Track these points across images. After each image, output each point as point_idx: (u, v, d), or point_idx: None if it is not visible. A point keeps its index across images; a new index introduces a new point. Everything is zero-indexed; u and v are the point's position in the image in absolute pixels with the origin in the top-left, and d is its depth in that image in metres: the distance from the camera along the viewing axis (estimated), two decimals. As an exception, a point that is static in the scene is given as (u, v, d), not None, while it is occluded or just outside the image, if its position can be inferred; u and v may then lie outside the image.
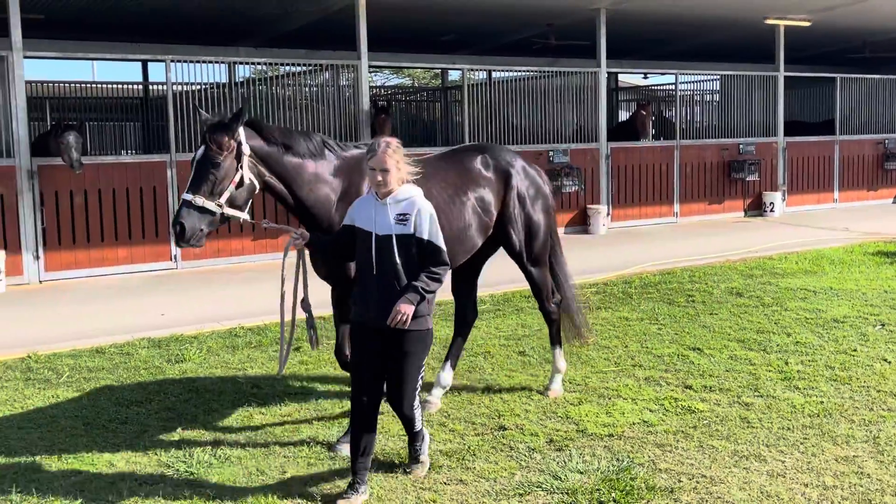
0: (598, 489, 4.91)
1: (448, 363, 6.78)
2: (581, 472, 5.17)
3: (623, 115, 25.01)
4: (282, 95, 14.70)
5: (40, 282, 12.06)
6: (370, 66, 15.24)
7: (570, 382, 7.01)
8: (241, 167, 5.32)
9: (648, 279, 11.51)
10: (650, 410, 6.32)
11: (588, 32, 17.73)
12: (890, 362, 7.38)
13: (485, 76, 19.10)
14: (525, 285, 7.48)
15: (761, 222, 18.67)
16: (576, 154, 16.97)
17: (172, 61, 13.37)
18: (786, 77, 20.26)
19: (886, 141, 21.59)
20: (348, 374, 5.59)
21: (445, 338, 7.70)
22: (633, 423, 6.06)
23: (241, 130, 5.34)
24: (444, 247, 4.91)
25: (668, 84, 25.14)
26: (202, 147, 5.33)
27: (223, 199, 5.26)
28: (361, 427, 4.88)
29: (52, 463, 5.51)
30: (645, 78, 28.49)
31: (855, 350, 7.77)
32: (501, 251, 6.89)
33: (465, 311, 7.01)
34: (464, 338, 7.05)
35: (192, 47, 17.91)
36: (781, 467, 5.20)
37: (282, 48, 19.27)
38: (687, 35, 21.45)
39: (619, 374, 7.25)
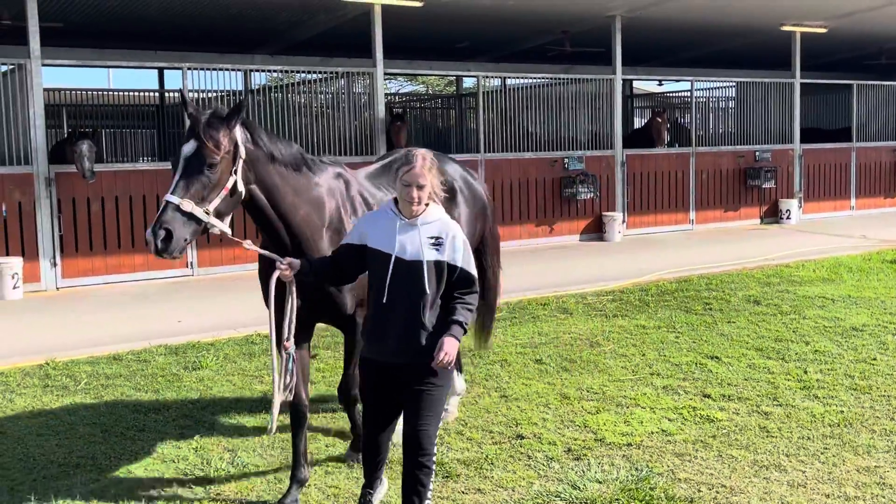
0: (616, 499, 4.88)
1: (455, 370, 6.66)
2: (600, 482, 5.15)
3: (638, 122, 25.00)
4: (297, 103, 14.73)
5: (57, 289, 12.11)
6: (385, 74, 15.23)
7: (588, 391, 6.98)
8: (236, 172, 4.66)
9: (665, 287, 11.46)
10: (668, 419, 6.29)
11: (603, 40, 17.72)
12: None
13: (499, 83, 19.07)
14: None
15: (778, 230, 18.59)
16: (591, 161, 16.94)
17: (189, 69, 13.44)
18: (802, 84, 20.17)
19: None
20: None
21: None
22: (652, 433, 6.03)
23: (238, 129, 4.72)
24: (476, 275, 4.47)
25: (684, 91, 25.17)
26: (193, 143, 4.54)
27: (212, 207, 4.55)
28: (374, 466, 4.67)
29: (70, 470, 5.52)
30: (660, 85, 28.48)
31: (874, 359, 7.71)
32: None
33: None
34: None
35: (208, 55, 18.03)
36: (802, 477, 5.17)
37: (297, 56, 19.32)
38: (702, 42, 21.42)
39: (636, 383, 7.21)
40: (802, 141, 20.24)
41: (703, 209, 18.57)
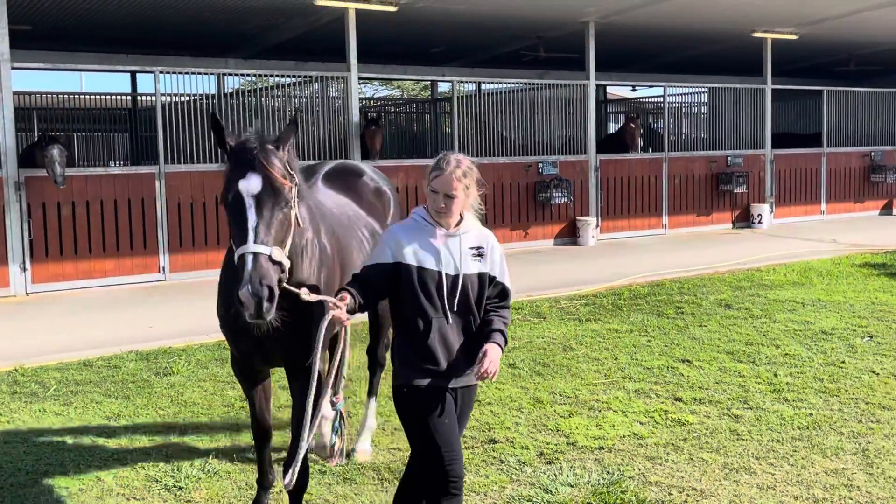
0: (588, 502, 4.89)
1: (372, 399, 6.18)
2: (572, 486, 5.15)
3: (612, 128, 25.08)
4: (271, 107, 14.68)
5: (27, 294, 11.95)
6: (360, 78, 15.22)
7: (561, 395, 6.99)
8: (296, 203, 3.98)
9: (638, 291, 11.52)
10: (640, 423, 6.31)
11: (577, 45, 17.77)
12: (878, 374, 7.40)
13: (474, 88, 19.14)
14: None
15: (749, 234, 18.73)
16: (565, 166, 17.00)
17: (161, 72, 13.31)
18: (773, 90, 20.36)
19: (873, 153, 21.72)
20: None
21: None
22: (624, 436, 6.04)
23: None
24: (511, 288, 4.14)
25: (657, 96, 25.24)
26: (257, 177, 3.73)
27: (287, 249, 3.88)
28: None
29: (39, 478, 5.45)
30: (634, 90, 28.63)
31: (843, 362, 7.78)
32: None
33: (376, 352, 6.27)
34: (376, 377, 6.27)
35: (181, 59, 17.88)
36: (771, 480, 5.19)
37: (271, 59, 19.25)
38: (675, 48, 21.54)
39: (609, 387, 7.23)
40: (774, 146, 20.42)
41: (676, 214, 18.68)
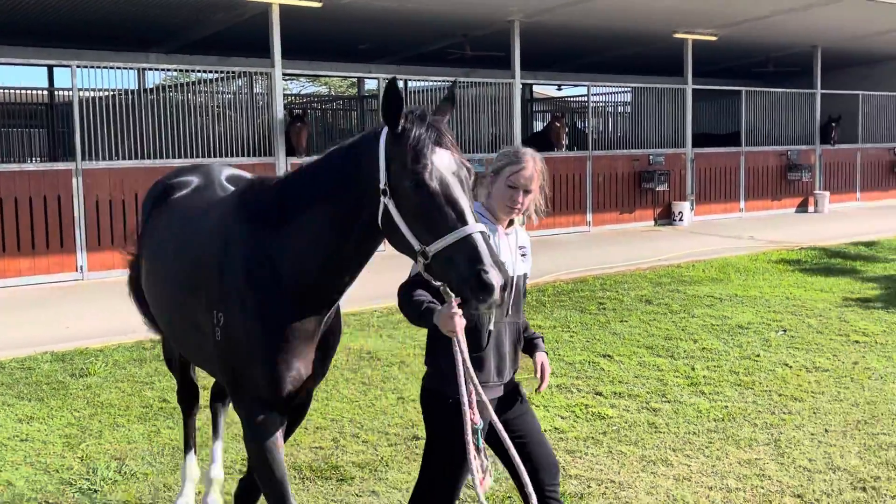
0: (509, 496, 4.94)
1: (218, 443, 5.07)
2: (494, 480, 5.19)
3: (538, 126, 25.30)
4: (194, 102, 14.45)
5: (-62, 294, 11.63)
6: (284, 75, 15.10)
7: (483, 391, 7.02)
8: None
9: (561, 287, 11.65)
10: (561, 417, 6.38)
11: (503, 44, 17.91)
12: (791, 367, 7.61)
13: (401, 85, 19.16)
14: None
15: (671, 231, 19.09)
16: (490, 164, 17.09)
17: (79, 66, 13.02)
18: (694, 90, 20.76)
19: (789, 152, 22.27)
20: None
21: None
22: (545, 430, 6.10)
23: None
24: None
25: (582, 96, 25.55)
26: (455, 158, 3.21)
27: None
28: None
29: (-53, 482, 5.31)
30: (559, 89, 28.91)
31: (758, 355, 8.00)
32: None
33: None
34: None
35: (100, 52, 17.53)
36: (687, 471, 5.30)
37: (194, 55, 18.96)
38: (599, 48, 21.84)
39: (531, 381, 7.30)
40: (694, 145, 20.83)
41: (600, 211, 18.94)
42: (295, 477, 5.34)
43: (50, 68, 19.26)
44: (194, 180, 4.59)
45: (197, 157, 13.70)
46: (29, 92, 21.17)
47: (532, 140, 20.10)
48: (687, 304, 10.41)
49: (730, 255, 14.42)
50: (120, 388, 7.19)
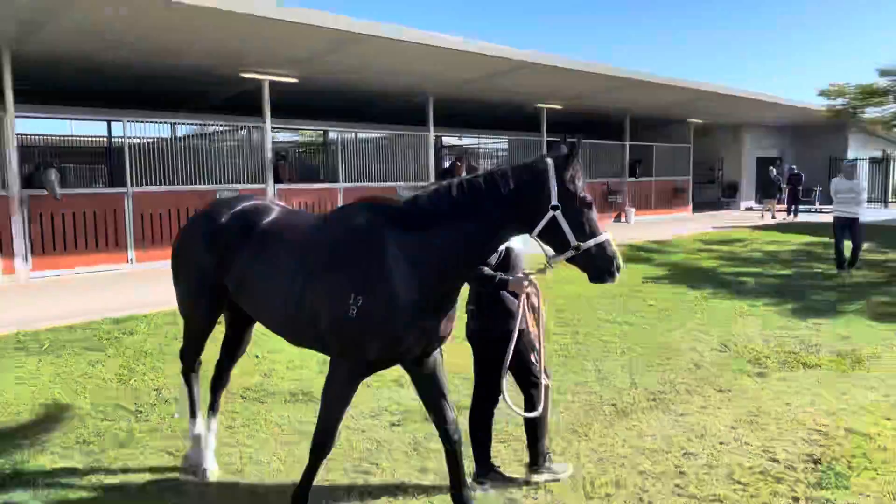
0: (414, 409, 5.00)
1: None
2: (413, 399, 5.24)
3: (445, 164, 25.28)
4: (210, 147, 14.25)
5: (29, 279, 11.18)
6: (272, 128, 14.94)
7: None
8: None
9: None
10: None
11: (422, 107, 17.97)
12: (609, 322, 7.74)
13: (353, 136, 19.01)
14: None
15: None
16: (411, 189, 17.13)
17: (128, 121, 12.76)
18: (547, 141, 21.01)
19: (609, 182, 22.63)
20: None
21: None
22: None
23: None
24: None
25: (475, 144, 25.72)
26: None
27: None
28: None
29: (40, 410, 5.19)
30: (460, 139, 28.89)
31: (589, 316, 8.18)
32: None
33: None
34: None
35: (144, 112, 17.05)
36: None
37: (210, 113, 18.57)
38: (487, 112, 22.02)
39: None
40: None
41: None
42: (283, 399, 5.36)
43: (109, 122, 18.53)
44: (269, 209, 3.88)
45: (213, 184, 13.50)
46: (95, 139, 20.57)
47: (441, 174, 20.08)
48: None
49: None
50: (157, 342, 7.11)
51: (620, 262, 3.24)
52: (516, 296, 3.67)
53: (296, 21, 10.82)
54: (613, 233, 3.42)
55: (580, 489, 3.90)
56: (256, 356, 6.35)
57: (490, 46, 13.74)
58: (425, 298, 3.18)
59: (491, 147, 25.34)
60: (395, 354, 3.29)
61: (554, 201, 3.18)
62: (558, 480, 3.98)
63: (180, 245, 4.13)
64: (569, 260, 3.25)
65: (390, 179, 16.99)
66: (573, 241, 3.18)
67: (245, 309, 3.87)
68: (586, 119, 24.20)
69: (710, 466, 4.16)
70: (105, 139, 19.72)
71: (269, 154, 14.35)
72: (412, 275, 3.16)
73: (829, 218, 12.90)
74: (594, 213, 3.27)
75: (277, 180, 14.72)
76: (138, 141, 13.28)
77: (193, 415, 4.32)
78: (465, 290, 3.61)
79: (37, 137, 18.96)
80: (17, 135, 11.47)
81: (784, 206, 23.66)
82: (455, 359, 4.35)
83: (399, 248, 3.19)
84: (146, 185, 12.79)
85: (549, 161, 3.26)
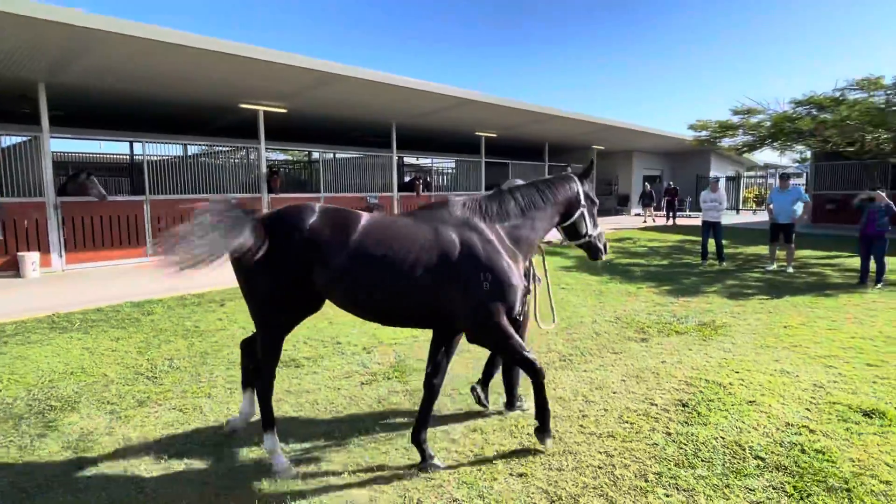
0: (387, 374, 4.95)
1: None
2: (379, 363, 5.20)
3: (406, 179, 25.12)
4: (215, 164, 13.82)
5: (63, 271, 10.67)
6: (266, 148, 14.59)
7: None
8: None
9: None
10: (415, 336, 6.41)
11: (387, 133, 17.83)
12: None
13: (333, 155, 18.74)
14: None
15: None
16: (382, 199, 17.02)
17: (147, 142, 12.26)
18: (486, 162, 21.16)
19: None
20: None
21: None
22: (407, 336, 6.12)
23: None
24: None
25: (429, 163, 25.62)
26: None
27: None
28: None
29: (68, 376, 4.94)
30: (417, 160, 28.72)
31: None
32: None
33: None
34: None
35: (160, 134, 16.46)
36: (483, 354, 5.44)
37: (215, 136, 18.02)
38: (440, 137, 21.94)
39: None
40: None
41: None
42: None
43: (131, 143, 17.80)
44: (353, 212, 3.42)
45: (217, 193, 13.10)
46: (119, 156, 19.68)
47: (403, 187, 20.02)
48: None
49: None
50: (171, 321, 6.85)
51: (608, 246, 3.77)
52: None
53: (285, 63, 10.59)
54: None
55: (507, 430, 3.94)
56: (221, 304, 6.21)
57: (440, 87, 13.72)
58: (520, 268, 3.40)
59: (442, 166, 25.30)
60: (513, 310, 3.33)
61: (582, 202, 3.68)
62: (525, 411, 4.18)
63: (264, 252, 3.25)
64: (578, 244, 3.75)
65: (363, 191, 16.80)
66: (590, 231, 3.71)
67: (335, 300, 3.32)
68: (514, 145, 24.42)
69: (606, 410, 4.24)
70: (127, 157, 18.96)
71: (263, 170, 14.00)
72: (512, 253, 3.38)
73: (697, 222, 13.30)
74: (596, 211, 3.76)
75: (270, 190, 14.38)
76: (155, 158, 12.80)
77: (271, 427, 3.47)
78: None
79: (69, 154, 18.10)
80: (53, 152, 10.92)
81: (664, 213, 24.36)
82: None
83: (496, 234, 3.37)
84: (161, 193, 12.34)
85: (574, 176, 3.74)
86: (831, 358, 5.33)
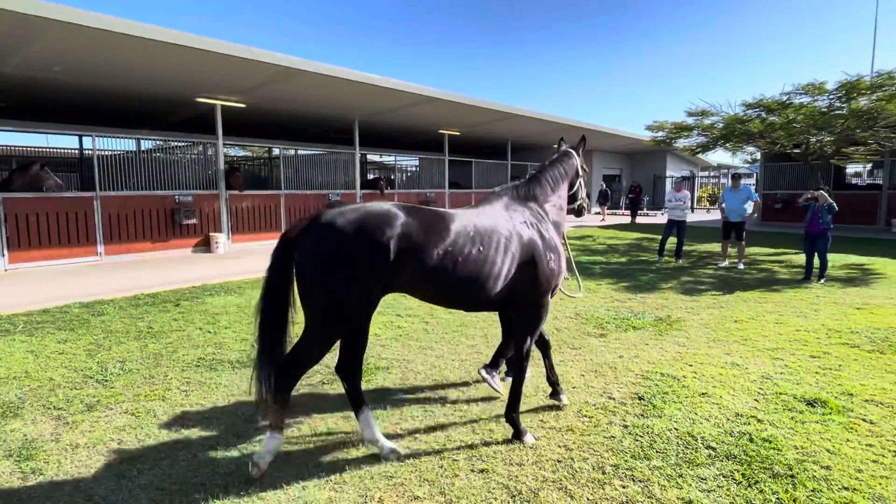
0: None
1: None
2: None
3: (370, 176, 24.93)
4: (170, 160, 13.36)
5: (5, 270, 10.13)
6: (225, 144, 14.20)
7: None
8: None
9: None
10: (378, 329, 6.38)
11: (349, 130, 17.65)
12: None
13: (294, 152, 18.40)
14: None
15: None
16: (345, 196, 16.84)
17: (97, 136, 11.72)
18: (449, 160, 21.18)
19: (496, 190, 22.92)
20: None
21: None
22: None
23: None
24: None
25: (394, 160, 25.49)
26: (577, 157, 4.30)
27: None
28: None
29: (9, 381, 4.69)
30: (381, 157, 28.53)
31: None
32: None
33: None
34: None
35: (111, 129, 15.84)
36: (441, 351, 5.38)
37: (171, 131, 17.45)
38: (400, 135, 21.87)
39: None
40: (450, 188, 21.21)
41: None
42: (227, 366, 5.10)
43: (80, 136, 17.06)
44: (445, 213, 3.44)
45: (172, 189, 12.69)
46: (68, 151, 18.81)
47: (366, 185, 19.86)
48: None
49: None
50: (123, 322, 6.57)
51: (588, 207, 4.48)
52: None
53: (242, 56, 10.34)
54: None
55: (469, 425, 3.95)
56: (177, 304, 6.04)
57: (402, 83, 13.65)
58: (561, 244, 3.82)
59: (406, 164, 25.18)
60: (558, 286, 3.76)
61: (580, 173, 4.29)
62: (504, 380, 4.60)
63: (342, 254, 3.05)
64: (570, 207, 4.29)
65: (325, 189, 16.58)
66: (582, 195, 4.34)
67: (420, 295, 3.31)
68: (478, 143, 24.53)
69: (565, 404, 4.31)
70: (77, 151, 18.17)
71: (221, 166, 13.64)
72: (557, 230, 3.88)
73: (654, 220, 13.62)
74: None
75: (229, 187, 14.02)
76: (108, 153, 12.30)
77: (361, 409, 3.52)
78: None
79: (13, 148, 17.21)
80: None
81: (628, 212, 24.81)
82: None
83: (546, 215, 3.84)
84: (112, 189, 11.87)
85: (572, 150, 4.28)
86: (778, 350, 5.56)
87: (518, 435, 3.68)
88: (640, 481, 3.28)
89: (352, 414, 4.12)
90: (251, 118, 16.07)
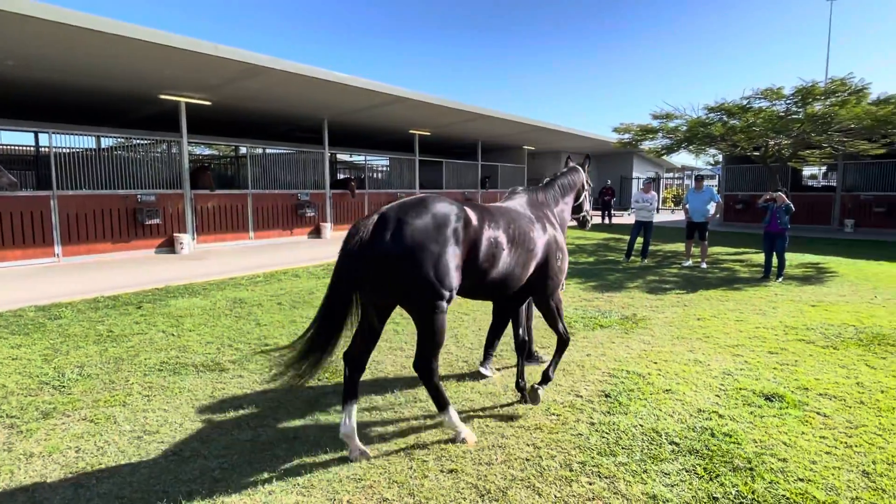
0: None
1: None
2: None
3: (340, 176, 24.69)
4: (133, 158, 12.96)
5: (-47, 272, 9.67)
6: (189, 142, 13.86)
7: (308, 318, 6.83)
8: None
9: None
10: None
11: (319, 129, 17.45)
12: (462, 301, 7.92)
13: (261, 151, 18.06)
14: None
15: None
16: (314, 196, 16.63)
17: (54, 133, 11.30)
18: (420, 160, 21.13)
19: (465, 192, 23.07)
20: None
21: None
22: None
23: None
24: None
25: (361, 161, 25.30)
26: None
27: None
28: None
29: (-43, 388, 4.47)
30: (350, 157, 28.32)
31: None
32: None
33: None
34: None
35: (70, 125, 15.28)
36: (413, 353, 5.44)
37: (134, 128, 16.92)
38: (366, 133, 21.78)
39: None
40: (421, 189, 21.12)
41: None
42: (191, 370, 4.99)
43: (36, 133, 16.42)
44: (488, 207, 3.79)
45: (134, 189, 12.33)
46: (23, 148, 18.05)
47: (336, 184, 19.65)
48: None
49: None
50: (82, 325, 6.34)
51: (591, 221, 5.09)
52: None
53: (206, 53, 10.10)
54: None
55: (437, 424, 3.95)
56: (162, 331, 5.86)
57: (371, 83, 13.57)
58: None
59: (376, 163, 25.03)
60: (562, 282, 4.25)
61: (586, 186, 4.81)
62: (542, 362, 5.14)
63: (428, 245, 3.24)
64: (575, 217, 4.90)
65: (293, 188, 16.35)
66: (587, 207, 4.88)
67: (466, 285, 3.55)
68: (448, 143, 24.55)
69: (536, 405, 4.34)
70: (32, 148, 17.48)
71: (185, 164, 13.31)
72: (562, 232, 4.29)
73: (621, 221, 13.84)
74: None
75: (195, 186, 13.69)
76: (66, 150, 11.84)
77: (447, 406, 3.63)
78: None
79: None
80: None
81: (599, 213, 25.07)
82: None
83: (556, 219, 4.33)
84: (70, 188, 11.45)
85: (579, 166, 4.80)
86: (738, 347, 5.73)
87: (545, 380, 4.33)
88: (606, 478, 3.33)
89: (320, 417, 4.07)
90: (217, 116, 15.73)
